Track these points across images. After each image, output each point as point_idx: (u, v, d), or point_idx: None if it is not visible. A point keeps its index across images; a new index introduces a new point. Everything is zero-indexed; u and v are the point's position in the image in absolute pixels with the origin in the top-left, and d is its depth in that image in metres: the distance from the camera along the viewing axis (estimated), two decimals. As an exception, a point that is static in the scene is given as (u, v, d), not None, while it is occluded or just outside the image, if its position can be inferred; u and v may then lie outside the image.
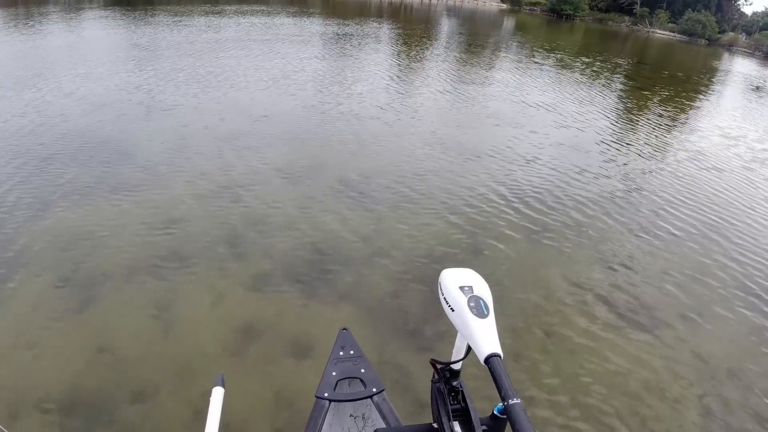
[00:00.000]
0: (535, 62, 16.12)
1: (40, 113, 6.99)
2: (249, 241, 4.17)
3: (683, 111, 11.88)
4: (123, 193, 4.81)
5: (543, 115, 9.45)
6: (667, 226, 5.21)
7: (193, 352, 2.95)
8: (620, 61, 19.61)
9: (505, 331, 3.31)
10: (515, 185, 5.86)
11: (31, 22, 16.90)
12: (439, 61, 14.27)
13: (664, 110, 11.46)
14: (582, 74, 14.99)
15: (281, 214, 4.66)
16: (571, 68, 15.93)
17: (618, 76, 15.82)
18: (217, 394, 0.96)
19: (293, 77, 10.25)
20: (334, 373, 1.20)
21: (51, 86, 8.39)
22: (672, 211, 5.60)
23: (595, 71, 15.81)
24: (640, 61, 20.92)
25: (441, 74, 12.31)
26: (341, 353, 1.26)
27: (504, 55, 17.73)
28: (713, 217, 5.56)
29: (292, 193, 5.10)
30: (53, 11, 23.12)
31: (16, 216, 4.28)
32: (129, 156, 5.71)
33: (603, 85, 13.60)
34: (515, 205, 5.31)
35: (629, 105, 11.71)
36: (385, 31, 21.24)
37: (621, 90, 13.64)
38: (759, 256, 4.81)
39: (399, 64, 13.27)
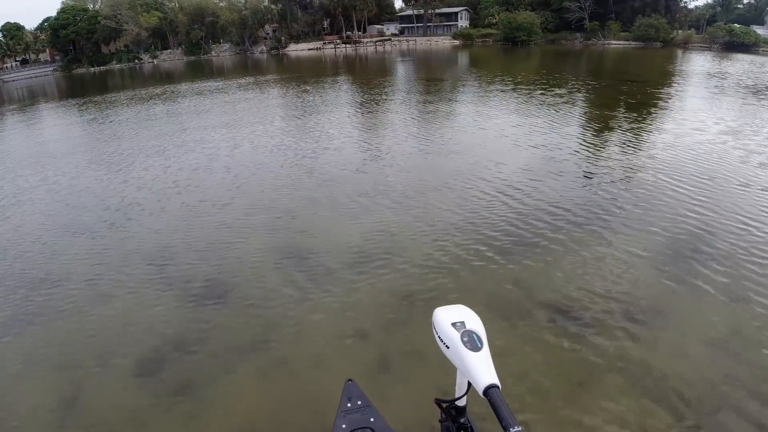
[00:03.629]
0: (495, 101, 14.92)
1: None
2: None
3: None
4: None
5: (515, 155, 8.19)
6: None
7: None
8: (591, 81, 18.71)
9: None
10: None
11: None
12: (409, 122, 12.95)
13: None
14: (555, 104, 13.97)
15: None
16: (539, 99, 14.91)
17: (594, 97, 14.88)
18: None
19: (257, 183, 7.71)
20: (344, 426, 1.13)
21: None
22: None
23: (571, 97, 14.87)
24: (626, 79, 20.25)
25: (413, 134, 10.98)
26: (349, 405, 1.20)
27: (463, 98, 16.35)
28: None
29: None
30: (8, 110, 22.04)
31: None
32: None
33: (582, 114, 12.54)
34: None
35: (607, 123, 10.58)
36: (345, 90, 20.15)
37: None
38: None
39: (369, 139, 11.07)
